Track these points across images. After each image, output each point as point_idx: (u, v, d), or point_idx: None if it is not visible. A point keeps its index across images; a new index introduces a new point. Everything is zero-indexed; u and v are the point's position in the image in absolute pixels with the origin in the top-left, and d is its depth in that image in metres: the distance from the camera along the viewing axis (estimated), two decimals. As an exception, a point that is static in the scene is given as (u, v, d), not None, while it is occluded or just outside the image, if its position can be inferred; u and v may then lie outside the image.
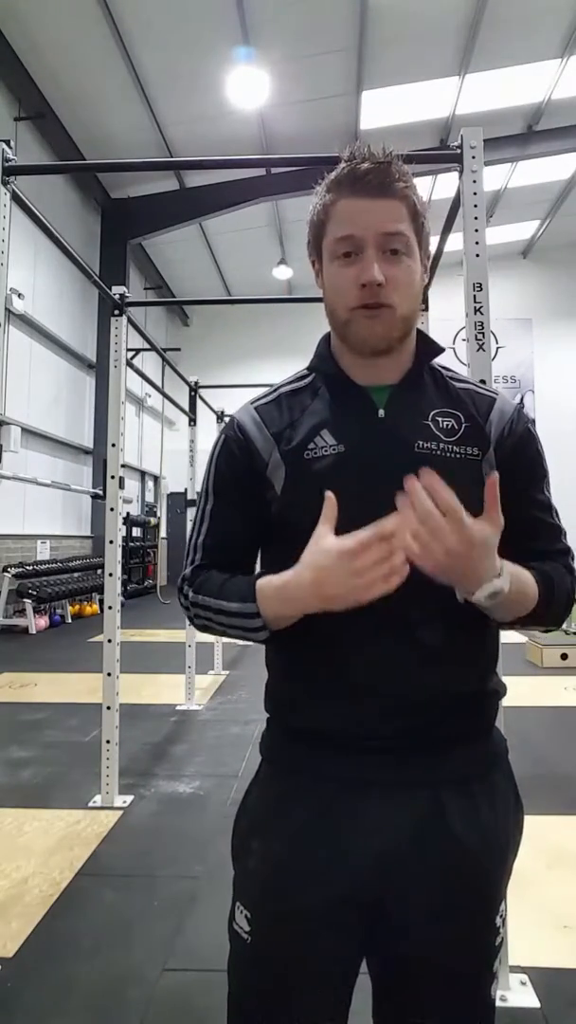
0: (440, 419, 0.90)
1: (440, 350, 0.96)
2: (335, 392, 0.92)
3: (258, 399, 0.97)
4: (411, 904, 0.82)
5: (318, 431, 0.89)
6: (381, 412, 0.89)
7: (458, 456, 0.87)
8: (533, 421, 0.98)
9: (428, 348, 0.94)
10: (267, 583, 0.82)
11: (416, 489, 0.71)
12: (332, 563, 0.73)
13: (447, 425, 0.89)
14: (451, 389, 0.94)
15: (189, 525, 0.96)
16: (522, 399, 17.02)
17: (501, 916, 0.87)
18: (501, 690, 0.93)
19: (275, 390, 0.97)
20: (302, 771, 0.87)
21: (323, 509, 0.76)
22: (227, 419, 0.96)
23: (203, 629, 0.92)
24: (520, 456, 0.92)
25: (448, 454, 0.87)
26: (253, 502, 0.90)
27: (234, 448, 0.93)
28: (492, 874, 0.86)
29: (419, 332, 0.94)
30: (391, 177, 0.84)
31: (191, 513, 4.75)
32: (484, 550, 0.74)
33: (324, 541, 0.75)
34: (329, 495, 0.77)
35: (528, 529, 0.91)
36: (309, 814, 0.85)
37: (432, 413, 0.90)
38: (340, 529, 0.78)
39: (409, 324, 0.89)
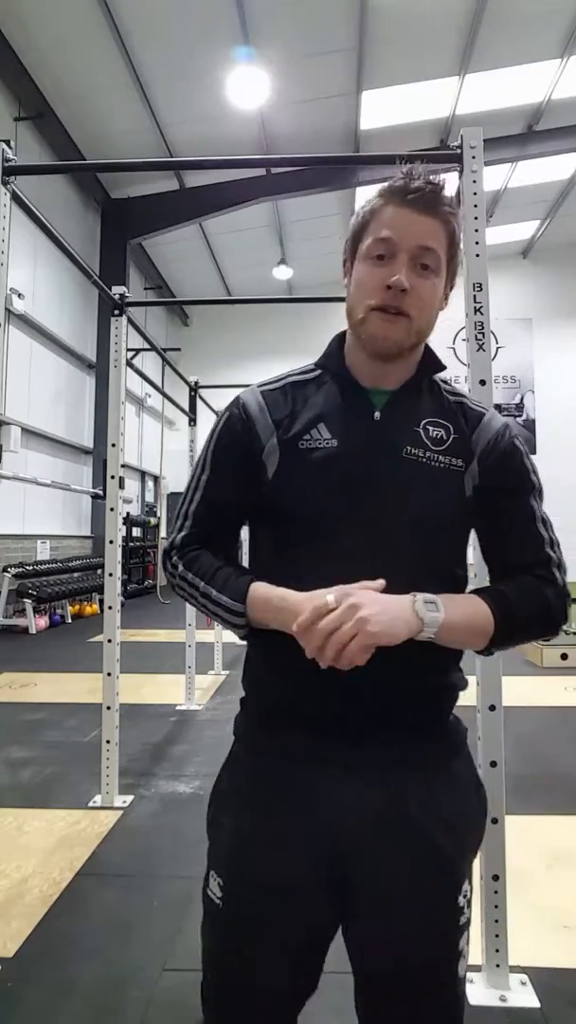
0: (431, 428, 0.94)
1: (442, 367, 1.01)
2: (338, 389, 0.97)
3: (265, 384, 1.00)
4: (372, 882, 0.86)
5: (316, 424, 0.93)
6: (377, 414, 0.94)
7: (443, 465, 0.92)
8: (525, 440, 1.00)
9: (431, 363, 0.99)
10: (260, 594, 0.87)
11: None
12: (318, 624, 0.79)
13: (436, 435, 0.94)
14: (445, 401, 0.99)
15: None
16: (522, 399, 17.02)
17: (465, 896, 0.89)
18: (460, 684, 0.95)
19: (282, 379, 1.00)
20: (270, 752, 0.92)
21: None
22: (238, 395, 1.00)
23: (183, 598, 0.97)
24: (505, 470, 0.95)
25: (433, 462, 0.92)
26: (247, 479, 0.94)
27: (237, 426, 0.96)
28: (449, 854, 0.88)
29: (427, 347, 0.99)
30: (440, 200, 0.90)
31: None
32: (368, 625, 0.78)
33: (296, 606, 0.81)
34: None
35: (513, 540, 0.94)
36: (275, 792, 0.90)
37: (424, 422, 0.95)
38: (323, 519, 0.88)
39: (421, 337, 0.94)
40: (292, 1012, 0.94)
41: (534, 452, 16.42)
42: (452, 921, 0.88)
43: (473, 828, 0.93)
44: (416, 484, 0.90)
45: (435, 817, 0.87)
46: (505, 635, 0.88)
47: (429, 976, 0.87)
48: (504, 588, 0.91)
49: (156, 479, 15.52)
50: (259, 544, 0.97)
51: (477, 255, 1.89)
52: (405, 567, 0.85)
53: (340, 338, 1.00)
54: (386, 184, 0.93)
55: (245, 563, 0.99)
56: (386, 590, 0.81)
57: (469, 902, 0.90)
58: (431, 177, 0.90)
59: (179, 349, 16.13)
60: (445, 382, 1.03)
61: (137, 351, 11.22)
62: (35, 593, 8.36)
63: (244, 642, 0.95)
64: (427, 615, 0.82)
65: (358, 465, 0.90)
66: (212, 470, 0.97)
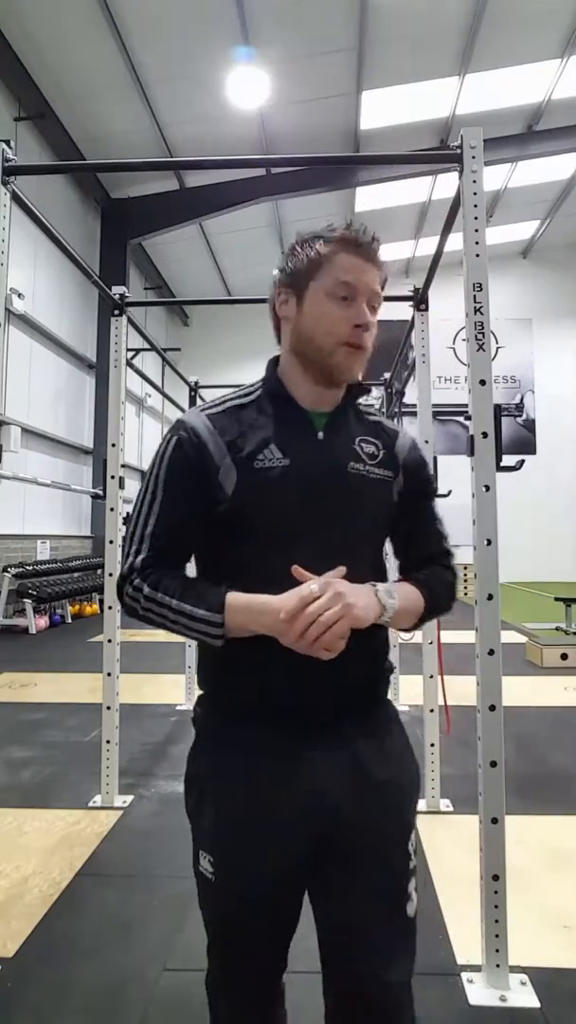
0: (364, 445, 1.08)
1: (368, 391, 1.21)
2: (279, 410, 1.06)
3: (207, 407, 1.07)
4: (344, 831, 0.99)
5: (267, 444, 1.02)
6: (320, 434, 1.05)
7: (378, 477, 1.07)
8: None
9: (359, 387, 1.11)
10: (240, 601, 0.95)
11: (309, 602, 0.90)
12: (280, 627, 0.90)
13: (369, 450, 1.08)
14: (366, 421, 1.13)
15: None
16: (522, 399, 17.02)
17: (412, 845, 1.05)
18: (390, 667, 1.11)
19: (223, 402, 1.08)
20: (244, 741, 1.01)
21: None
22: (180, 417, 1.07)
23: (148, 622, 1.00)
24: (416, 479, 1.13)
25: (371, 475, 1.06)
26: (201, 499, 1.00)
27: (188, 449, 1.01)
28: (402, 804, 1.05)
29: None
30: (377, 254, 1.05)
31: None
32: (356, 597, 0.92)
33: (279, 602, 0.91)
34: (296, 568, 0.92)
35: (422, 536, 1.14)
36: (252, 779, 1.00)
37: (358, 439, 1.08)
38: (283, 529, 0.99)
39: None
40: (283, 957, 1.09)
41: (534, 452, 16.44)
42: (405, 862, 1.03)
43: (414, 784, 1.10)
44: (364, 495, 1.04)
45: (388, 777, 1.03)
46: (429, 613, 1.07)
47: (383, 897, 1.01)
48: (424, 577, 1.09)
49: (156, 479, 15.51)
50: (218, 558, 1.04)
51: (477, 255, 1.89)
52: (357, 566, 0.97)
53: (274, 363, 1.11)
54: (331, 232, 1.05)
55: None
56: (337, 567, 0.94)
57: (415, 851, 1.06)
58: (367, 233, 1.05)
59: (179, 349, 16.14)
60: (363, 403, 1.16)
61: (137, 351, 11.21)
62: (35, 593, 8.36)
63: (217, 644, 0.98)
64: (387, 602, 0.97)
65: (311, 481, 1.00)
66: (165, 492, 1.02)
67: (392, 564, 1.18)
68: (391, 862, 1.02)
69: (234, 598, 0.95)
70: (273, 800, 0.99)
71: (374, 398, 5.66)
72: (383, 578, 1.06)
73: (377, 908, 1.00)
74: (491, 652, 1.79)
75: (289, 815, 0.98)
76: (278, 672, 0.97)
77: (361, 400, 1.14)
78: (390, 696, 1.12)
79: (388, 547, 1.17)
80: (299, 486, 1.00)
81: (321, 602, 0.88)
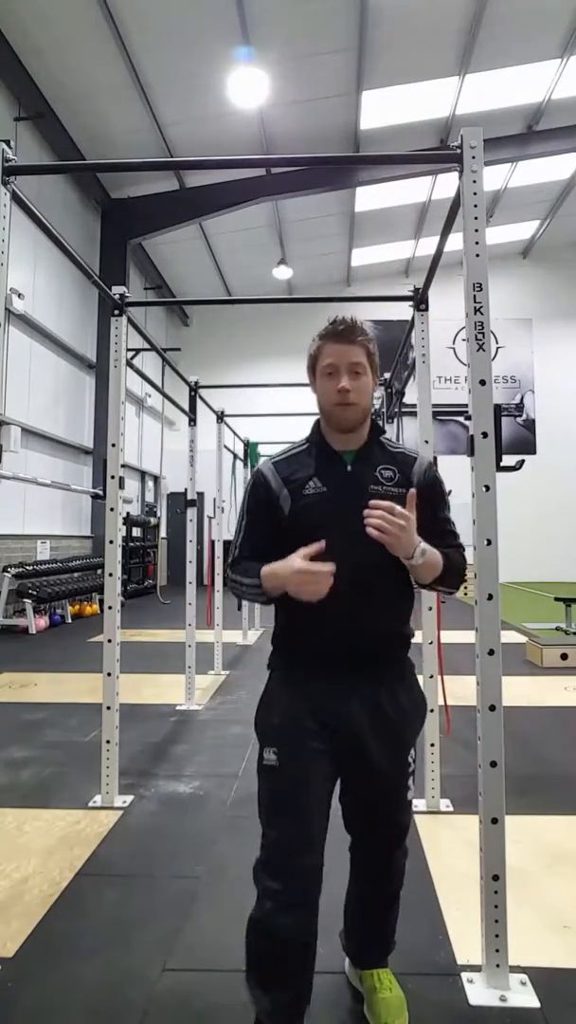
0: (383, 471, 1.56)
1: (383, 432, 1.65)
2: (321, 454, 1.58)
3: (274, 457, 1.63)
4: (366, 747, 1.49)
5: (311, 478, 1.54)
6: (349, 467, 1.56)
7: (393, 493, 1.51)
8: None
9: (377, 429, 1.62)
10: (267, 570, 1.46)
11: (376, 503, 1.41)
12: (290, 575, 1.39)
13: (387, 475, 1.56)
14: (389, 453, 1.60)
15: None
16: (522, 399, 17.01)
17: (411, 757, 1.57)
18: (410, 632, 1.60)
19: (285, 453, 1.63)
20: (299, 679, 1.54)
21: (309, 546, 1.39)
22: (257, 466, 1.64)
23: (239, 596, 1.58)
24: (432, 492, 1.58)
25: (389, 493, 1.51)
26: (271, 519, 1.55)
27: (260, 489, 1.58)
28: (405, 734, 1.55)
29: (372, 420, 1.61)
30: (355, 331, 1.53)
31: (191, 513, 4.76)
32: (410, 529, 1.41)
33: (295, 561, 1.39)
34: (319, 544, 1.39)
35: (438, 534, 1.55)
36: (305, 701, 1.50)
37: (379, 467, 1.56)
38: (324, 533, 1.41)
39: (366, 413, 1.57)
40: (321, 837, 1.46)
41: (534, 452, 16.44)
42: (404, 767, 1.55)
43: (419, 716, 1.60)
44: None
45: (397, 714, 1.52)
46: (444, 576, 1.52)
47: (390, 790, 1.55)
48: (444, 551, 1.52)
49: (156, 479, 15.52)
50: (283, 553, 1.46)
51: (477, 255, 1.89)
52: (373, 557, 1.45)
53: (318, 423, 1.62)
54: (322, 330, 1.56)
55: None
56: (360, 571, 1.45)
57: (414, 759, 1.58)
58: (346, 319, 1.54)
59: (179, 349, 16.14)
60: (389, 440, 1.65)
61: (137, 351, 11.23)
62: (35, 593, 8.36)
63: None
64: (423, 547, 1.45)
65: (341, 501, 1.50)
66: (249, 516, 1.59)
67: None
68: (394, 764, 1.52)
69: (265, 568, 1.46)
70: (318, 714, 1.48)
71: (375, 398, 5.67)
72: (397, 565, 1.48)
73: (384, 791, 1.54)
74: (491, 652, 1.79)
75: (328, 725, 1.48)
76: (324, 635, 1.49)
77: (387, 436, 1.65)
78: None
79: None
80: (333, 505, 1.50)
81: (310, 566, 1.37)
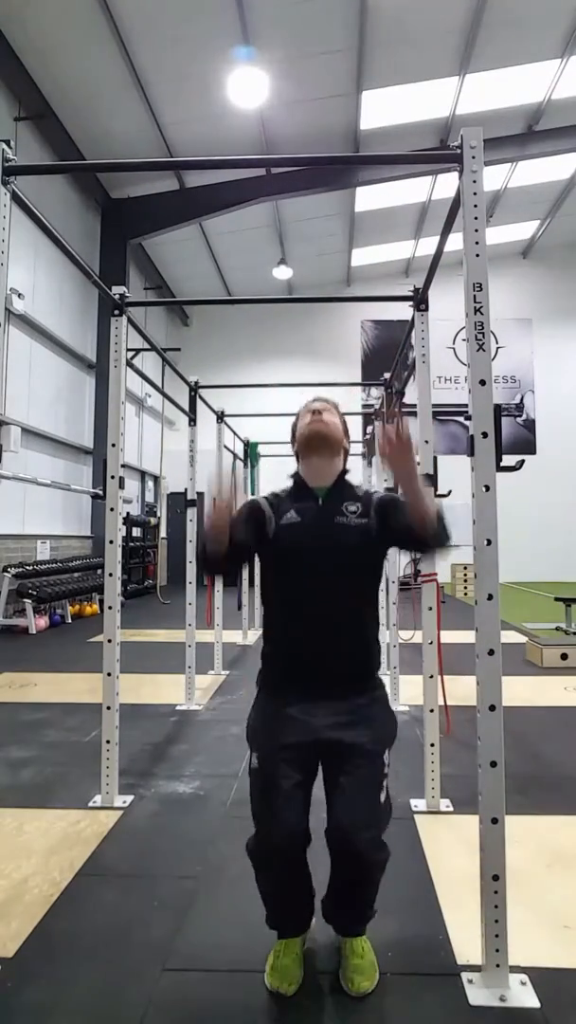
0: (349, 505, 1.82)
1: (347, 472, 1.92)
2: (299, 492, 1.88)
3: (268, 495, 1.90)
4: (338, 749, 1.69)
5: (290, 509, 1.83)
6: (320, 501, 1.84)
7: (356, 524, 1.79)
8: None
9: (343, 473, 1.90)
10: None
11: (385, 430, 1.66)
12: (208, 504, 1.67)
13: (352, 508, 1.82)
14: (354, 492, 1.87)
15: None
16: (522, 399, 17.01)
17: (386, 759, 1.74)
18: (377, 649, 1.85)
19: (276, 493, 1.90)
20: (283, 693, 1.77)
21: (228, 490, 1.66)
22: (254, 497, 1.92)
23: (209, 569, 1.77)
24: (390, 500, 1.84)
25: (352, 523, 1.79)
26: (253, 526, 1.80)
27: (255, 507, 1.85)
28: (377, 744, 1.72)
29: (342, 470, 1.91)
30: (328, 402, 1.94)
31: (191, 513, 4.76)
32: (410, 451, 1.66)
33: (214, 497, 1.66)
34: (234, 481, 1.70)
35: (407, 513, 1.73)
36: (287, 713, 1.73)
37: (345, 503, 1.83)
38: (293, 559, 1.77)
39: (337, 449, 1.88)
40: (303, 820, 1.67)
41: (534, 452, 16.44)
42: (377, 756, 1.72)
43: (389, 733, 1.78)
44: (345, 535, 1.78)
45: (368, 728, 1.72)
46: (434, 514, 1.69)
47: (365, 790, 1.68)
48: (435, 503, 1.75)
49: (156, 479, 15.52)
50: (266, 577, 1.85)
51: (477, 255, 1.88)
52: (345, 570, 1.76)
53: (297, 473, 1.91)
54: (303, 405, 1.95)
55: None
56: (328, 588, 1.74)
57: (388, 764, 1.74)
58: (322, 398, 1.93)
59: (179, 349, 16.14)
60: (356, 485, 1.92)
61: (137, 351, 11.22)
62: (35, 593, 8.35)
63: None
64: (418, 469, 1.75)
65: (312, 529, 1.78)
66: (237, 516, 1.73)
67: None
68: (371, 767, 1.69)
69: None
70: (296, 725, 1.70)
71: (374, 398, 5.68)
72: (371, 575, 1.83)
73: (359, 791, 1.67)
74: (491, 652, 1.79)
75: (305, 734, 1.69)
76: (300, 660, 1.77)
77: (349, 480, 1.94)
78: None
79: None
80: (305, 532, 1.78)
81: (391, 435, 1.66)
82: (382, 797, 1.69)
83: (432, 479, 2.95)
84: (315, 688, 1.72)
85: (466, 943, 1.87)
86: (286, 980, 1.69)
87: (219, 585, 6.06)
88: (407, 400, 5.34)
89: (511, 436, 16.46)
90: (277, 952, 1.76)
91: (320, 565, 1.73)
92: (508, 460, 1.93)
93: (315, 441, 1.83)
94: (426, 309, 3.11)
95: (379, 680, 1.83)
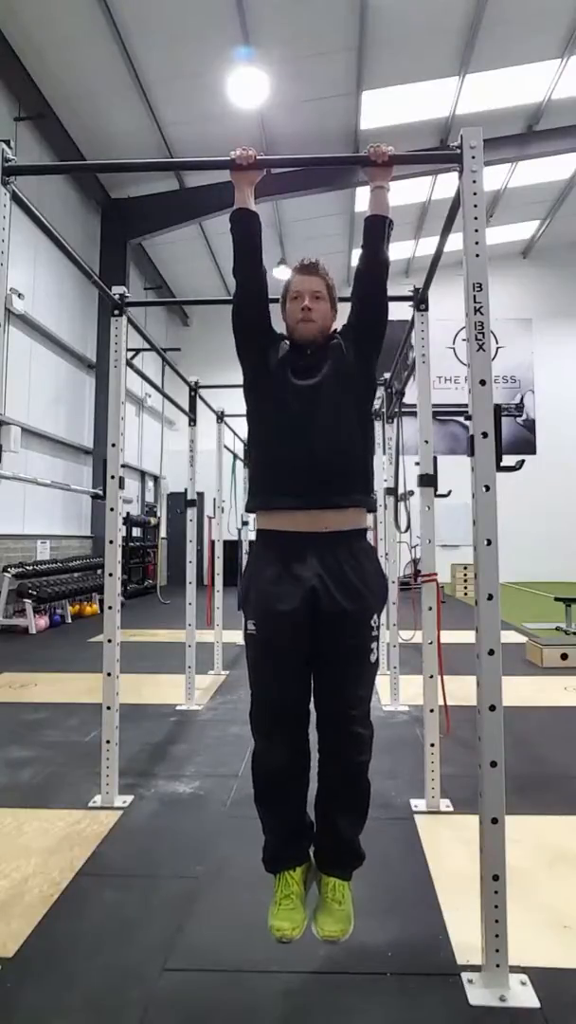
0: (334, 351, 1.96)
1: (335, 336, 2.00)
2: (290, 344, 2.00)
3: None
4: (329, 594, 1.72)
5: (279, 354, 1.96)
6: (308, 352, 1.94)
7: (338, 357, 1.93)
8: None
9: (332, 335, 2.00)
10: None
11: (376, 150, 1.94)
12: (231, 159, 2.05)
13: (335, 345, 1.96)
14: (339, 347, 1.97)
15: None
16: (522, 399, 17.01)
17: (375, 623, 1.79)
18: (371, 484, 1.87)
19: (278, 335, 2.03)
20: (274, 556, 1.80)
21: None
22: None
23: (232, 227, 2.14)
24: (348, 322, 2.00)
25: (338, 361, 1.93)
26: (262, 322, 2.02)
27: (273, 331, 2.02)
28: (365, 596, 1.76)
29: (333, 330, 2.02)
30: (317, 269, 1.97)
31: (191, 513, 4.76)
32: (391, 166, 1.97)
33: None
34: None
35: (358, 288, 2.00)
36: (278, 573, 1.76)
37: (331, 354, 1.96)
38: (281, 390, 1.89)
39: (324, 332, 1.95)
40: (303, 688, 1.76)
41: (534, 452, 16.44)
42: (368, 630, 1.77)
43: (379, 590, 1.82)
44: (328, 372, 1.88)
45: (359, 580, 1.76)
46: (385, 221, 2.02)
47: (356, 651, 1.75)
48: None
49: (156, 479, 15.51)
50: (247, 391, 1.99)
51: (477, 255, 1.89)
52: (333, 384, 1.87)
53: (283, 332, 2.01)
54: (294, 267, 2.01)
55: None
56: (315, 392, 1.85)
57: (379, 626, 1.81)
58: (310, 258, 2.01)
59: (179, 349, 16.13)
60: (336, 333, 1.99)
61: (137, 351, 11.21)
62: (35, 593, 8.36)
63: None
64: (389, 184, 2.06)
65: (301, 373, 1.88)
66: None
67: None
68: (358, 628, 1.74)
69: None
70: (287, 586, 1.73)
71: (375, 398, 5.71)
72: (353, 408, 1.88)
73: (348, 653, 1.74)
74: (491, 652, 1.79)
75: (297, 594, 1.71)
76: (283, 453, 1.82)
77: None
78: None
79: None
80: (294, 369, 1.89)
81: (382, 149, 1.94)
82: (372, 657, 1.78)
83: (432, 479, 2.95)
84: (303, 548, 1.75)
85: (466, 943, 1.87)
86: (288, 921, 1.69)
87: (219, 585, 6.06)
88: (407, 400, 5.34)
89: (511, 436, 16.45)
90: (278, 891, 1.76)
91: (306, 391, 1.84)
92: (508, 460, 1.92)
93: (305, 337, 1.92)
94: (426, 309, 3.11)
95: (369, 543, 1.87)
